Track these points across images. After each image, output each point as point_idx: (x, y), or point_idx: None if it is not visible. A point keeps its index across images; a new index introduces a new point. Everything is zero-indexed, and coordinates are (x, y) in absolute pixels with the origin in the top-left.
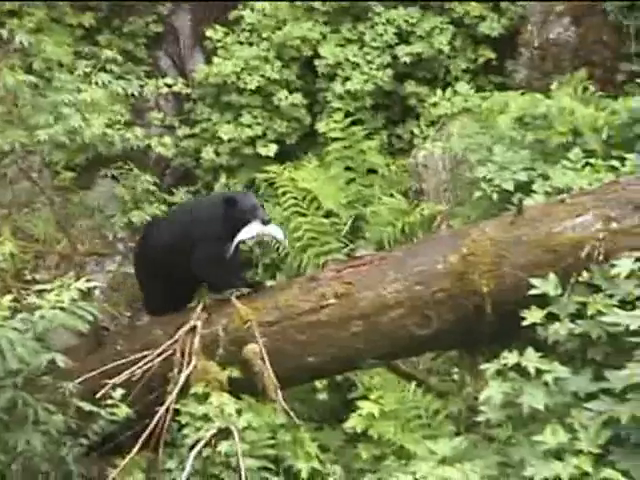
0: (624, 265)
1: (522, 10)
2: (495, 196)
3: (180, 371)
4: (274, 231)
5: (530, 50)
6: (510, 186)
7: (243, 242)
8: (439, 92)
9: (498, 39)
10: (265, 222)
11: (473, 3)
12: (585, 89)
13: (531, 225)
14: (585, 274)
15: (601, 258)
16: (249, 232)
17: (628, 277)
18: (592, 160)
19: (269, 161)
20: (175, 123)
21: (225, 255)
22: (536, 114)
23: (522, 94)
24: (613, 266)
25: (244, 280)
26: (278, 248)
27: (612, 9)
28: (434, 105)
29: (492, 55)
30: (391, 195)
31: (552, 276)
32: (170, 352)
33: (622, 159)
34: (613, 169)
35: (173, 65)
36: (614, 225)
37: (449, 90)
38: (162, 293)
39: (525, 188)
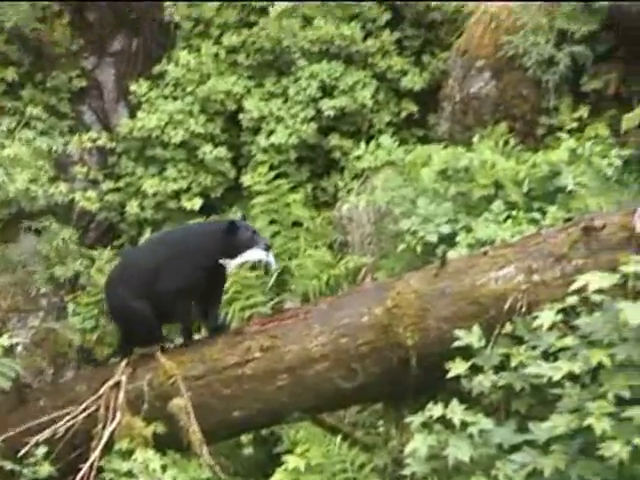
0: (546, 317)
1: (443, 65)
2: (419, 248)
3: (104, 427)
4: (272, 259)
5: (452, 104)
6: (434, 238)
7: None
8: (363, 145)
9: (420, 93)
10: (267, 248)
11: (395, 58)
12: (506, 142)
13: (455, 277)
14: (508, 326)
15: (524, 310)
16: (253, 256)
17: (550, 329)
18: (514, 212)
19: (194, 215)
20: (99, 177)
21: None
22: (458, 167)
23: (444, 147)
24: (535, 318)
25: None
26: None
27: (531, 64)
28: (358, 158)
29: (415, 109)
30: (316, 248)
31: (476, 328)
32: (94, 408)
33: (543, 211)
34: (534, 221)
35: (97, 119)
36: (536, 277)
37: (373, 143)
38: (141, 322)
39: (448, 240)
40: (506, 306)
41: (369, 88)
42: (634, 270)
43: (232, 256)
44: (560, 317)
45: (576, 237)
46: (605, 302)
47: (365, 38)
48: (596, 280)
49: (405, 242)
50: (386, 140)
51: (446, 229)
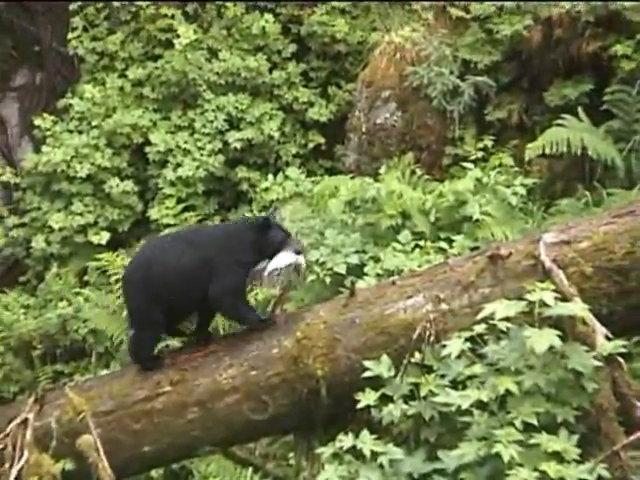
0: (454, 345)
1: (349, 96)
2: (328, 279)
3: (11, 466)
4: (303, 264)
5: (358, 135)
6: (342, 269)
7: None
8: (270, 177)
9: (327, 124)
10: (298, 252)
11: (302, 89)
12: (412, 172)
13: (364, 307)
14: (417, 355)
15: (432, 339)
16: (284, 260)
17: (458, 357)
18: (421, 242)
19: (101, 249)
20: (4, 213)
21: (245, 284)
22: (366, 198)
23: (352, 178)
24: (444, 346)
25: (258, 316)
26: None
27: (436, 95)
28: (266, 190)
29: (322, 140)
30: None
31: (385, 358)
32: (1, 447)
33: (450, 240)
34: (442, 250)
35: (1, 154)
36: (444, 306)
37: (280, 175)
38: (158, 330)
39: (357, 271)
40: (415, 335)
41: (276, 120)
42: (540, 298)
43: (264, 256)
44: (468, 345)
45: (483, 266)
46: (512, 330)
47: (271, 70)
48: (503, 308)
49: (314, 273)
50: (294, 172)
51: (354, 259)
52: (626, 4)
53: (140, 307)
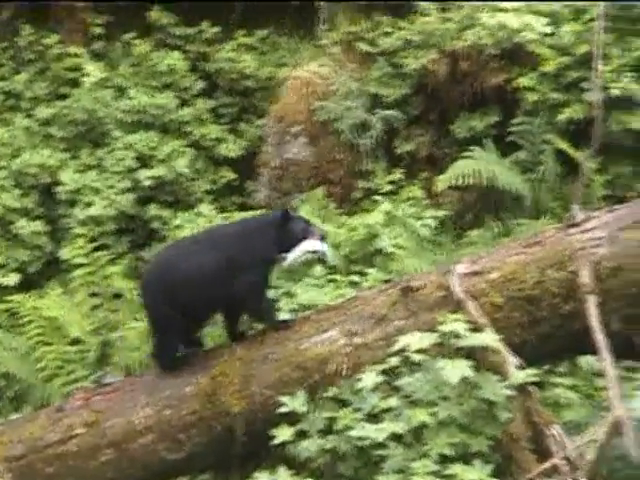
0: (369, 378)
1: (259, 131)
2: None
3: None
4: (327, 249)
5: (269, 170)
6: None
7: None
8: (182, 214)
9: (238, 160)
10: (323, 238)
11: (211, 126)
12: (324, 207)
13: (279, 343)
14: (332, 389)
15: (347, 372)
16: (308, 247)
17: (373, 390)
18: (334, 276)
19: (11, 290)
20: None
21: (268, 282)
22: None
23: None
24: (359, 380)
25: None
26: None
27: (345, 129)
28: (178, 227)
29: (233, 176)
30: (138, 320)
31: (300, 393)
32: None
33: (363, 274)
34: (355, 284)
35: None
36: (358, 339)
37: (192, 212)
38: (179, 333)
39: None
40: (330, 369)
41: (186, 157)
42: (452, 329)
43: (287, 247)
44: (383, 378)
45: (395, 298)
46: (425, 362)
47: (180, 107)
48: (416, 340)
49: None
50: (205, 208)
51: (268, 295)
52: (528, 37)
53: (161, 312)
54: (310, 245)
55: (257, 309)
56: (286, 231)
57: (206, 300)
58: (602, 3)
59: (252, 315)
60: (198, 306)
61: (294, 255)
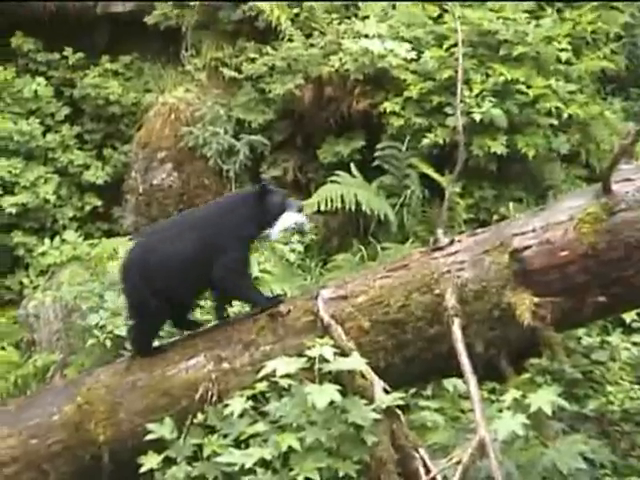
0: (236, 404)
1: (125, 157)
2: (108, 342)
3: None
4: (305, 220)
5: (136, 196)
6: (123, 332)
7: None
8: (47, 241)
9: (104, 186)
10: (300, 210)
11: (77, 152)
12: None
13: (146, 370)
14: (200, 415)
15: (215, 398)
16: (290, 219)
17: (241, 416)
18: (202, 302)
19: None
20: None
21: (249, 260)
22: None
23: (130, 240)
24: (226, 406)
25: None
26: None
27: (212, 154)
28: (43, 254)
29: (98, 202)
30: (2, 348)
31: (168, 420)
32: None
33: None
34: None
35: None
36: (226, 365)
37: (57, 239)
38: (159, 318)
39: None
40: (197, 396)
41: (51, 183)
42: (319, 353)
43: (268, 222)
44: (250, 404)
45: (263, 323)
46: (293, 386)
47: (45, 133)
48: (284, 365)
49: (94, 337)
50: (71, 235)
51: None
52: (392, 62)
53: (140, 297)
54: (291, 218)
55: (239, 290)
56: (266, 206)
57: (186, 283)
58: (460, 29)
59: (233, 296)
60: (179, 290)
61: (278, 229)
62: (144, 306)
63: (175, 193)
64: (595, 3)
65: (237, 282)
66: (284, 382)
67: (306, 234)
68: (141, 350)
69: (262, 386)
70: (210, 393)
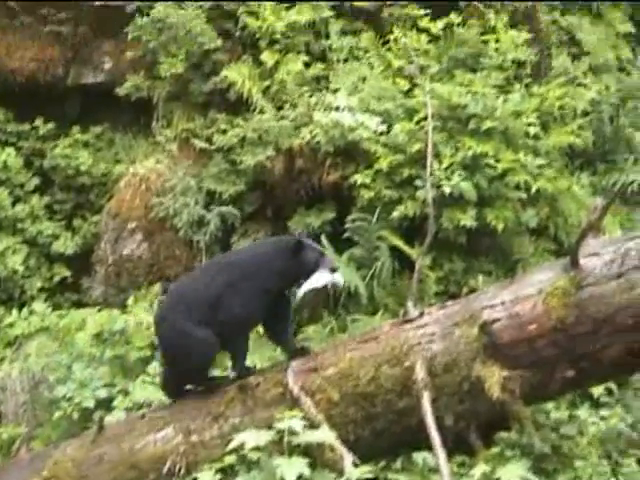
0: (205, 477)
1: (95, 228)
2: (76, 415)
3: None
4: (339, 280)
5: (105, 267)
6: (91, 404)
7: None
8: (15, 312)
9: (73, 257)
10: (333, 270)
11: (46, 222)
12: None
13: (113, 443)
14: None
15: (183, 472)
16: (320, 280)
17: None
18: None
19: None
20: None
21: (261, 315)
22: (114, 330)
23: (99, 310)
24: (194, 479)
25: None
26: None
27: (182, 225)
28: (11, 325)
29: (67, 273)
30: None
31: None
32: None
33: None
34: None
35: None
36: (194, 437)
37: (26, 309)
38: None
39: (106, 405)
40: (165, 469)
41: (20, 254)
42: (289, 426)
43: (296, 278)
44: (219, 477)
45: (233, 395)
46: (262, 459)
47: (14, 204)
48: (253, 438)
49: (61, 409)
50: (39, 306)
51: (103, 393)
52: (362, 135)
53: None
54: (322, 277)
55: (234, 342)
56: (299, 262)
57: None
58: (430, 103)
59: (227, 344)
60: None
61: (305, 288)
62: (183, 339)
63: (145, 264)
64: (562, 79)
65: (235, 333)
66: (253, 455)
67: (339, 289)
68: (171, 396)
69: (231, 459)
70: (178, 466)
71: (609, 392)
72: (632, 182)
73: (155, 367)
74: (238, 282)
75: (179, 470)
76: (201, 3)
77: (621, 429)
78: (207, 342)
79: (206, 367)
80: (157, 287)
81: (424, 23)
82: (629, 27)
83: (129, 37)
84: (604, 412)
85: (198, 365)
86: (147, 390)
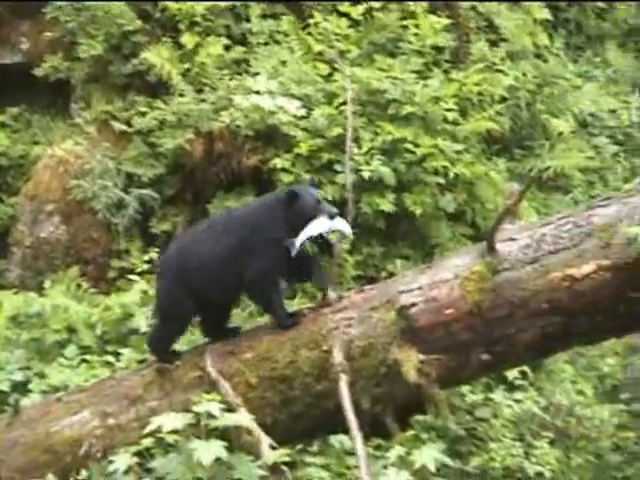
0: (121, 460)
1: (12, 210)
2: None
3: None
4: (342, 225)
5: (22, 249)
6: (6, 387)
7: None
8: None
9: None
10: (332, 216)
11: None
12: (78, 286)
13: (29, 426)
14: (84, 472)
15: (99, 455)
16: (318, 227)
17: (126, 472)
18: (88, 357)
19: None
20: None
21: (282, 265)
22: (30, 313)
23: (15, 293)
24: (111, 462)
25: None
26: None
27: (100, 208)
28: None
29: None
30: None
31: (51, 476)
32: None
33: (117, 354)
34: (109, 364)
35: None
36: (111, 421)
37: None
38: (185, 321)
39: (22, 388)
40: (81, 452)
41: None
42: (206, 409)
43: (296, 227)
44: (136, 460)
45: (151, 378)
46: (179, 442)
47: None
48: (170, 421)
49: None
50: None
51: (19, 376)
52: (283, 119)
53: (172, 299)
54: (319, 224)
55: (264, 297)
56: (295, 211)
57: (221, 285)
58: (350, 88)
59: (259, 303)
60: (215, 292)
61: (302, 237)
62: (174, 307)
63: (63, 246)
64: (480, 65)
65: (264, 289)
66: (170, 438)
67: (348, 239)
68: (159, 353)
69: (148, 442)
70: (95, 449)
71: (523, 375)
72: (548, 168)
73: (72, 350)
74: (249, 238)
75: (95, 453)
76: None
77: (534, 412)
78: (183, 317)
79: (171, 339)
80: (75, 270)
81: (344, 8)
82: (546, 14)
83: (47, 17)
84: (518, 395)
85: (169, 333)
86: (64, 373)
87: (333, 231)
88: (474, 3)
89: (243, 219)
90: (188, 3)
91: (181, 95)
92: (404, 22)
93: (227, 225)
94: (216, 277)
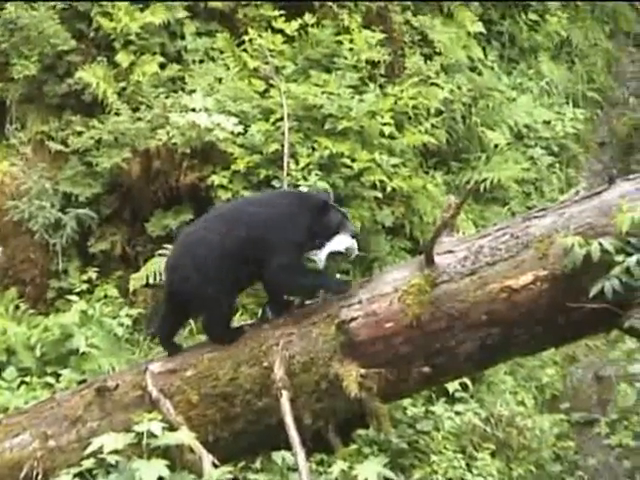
0: None
1: None
2: None
3: None
4: (355, 247)
5: None
6: None
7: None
8: None
9: None
10: (354, 235)
11: None
12: (17, 307)
13: None
14: None
15: (40, 477)
16: (341, 244)
17: None
18: (27, 378)
19: None
20: None
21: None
22: None
23: None
24: None
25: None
26: None
27: (38, 228)
28: None
29: None
30: None
31: None
32: None
33: (57, 375)
34: (49, 386)
35: None
36: (52, 442)
37: None
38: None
39: None
40: (22, 475)
41: None
42: (147, 428)
43: (320, 238)
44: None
45: (90, 399)
46: (121, 463)
47: None
48: (111, 441)
49: None
50: None
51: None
52: (220, 136)
53: (197, 288)
54: (344, 240)
55: (293, 283)
56: (322, 222)
57: (228, 279)
58: (286, 104)
59: (290, 292)
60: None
61: (328, 250)
62: (204, 295)
63: (0, 268)
64: (415, 79)
65: (291, 276)
66: (112, 458)
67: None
68: (220, 339)
69: (89, 463)
70: (35, 472)
71: (464, 387)
72: (484, 180)
73: (12, 372)
74: (265, 238)
75: (36, 476)
76: (53, 3)
77: (475, 423)
78: (218, 300)
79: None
80: (12, 292)
81: (279, 24)
82: (479, 27)
83: None
84: (459, 407)
85: (217, 317)
86: (3, 396)
87: (347, 248)
88: (408, 18)
89: (258, 216)
90: (123, 22)
91: (117, 114)
92: (339, 37)
93: (239, 219)
94: (224, 271)
